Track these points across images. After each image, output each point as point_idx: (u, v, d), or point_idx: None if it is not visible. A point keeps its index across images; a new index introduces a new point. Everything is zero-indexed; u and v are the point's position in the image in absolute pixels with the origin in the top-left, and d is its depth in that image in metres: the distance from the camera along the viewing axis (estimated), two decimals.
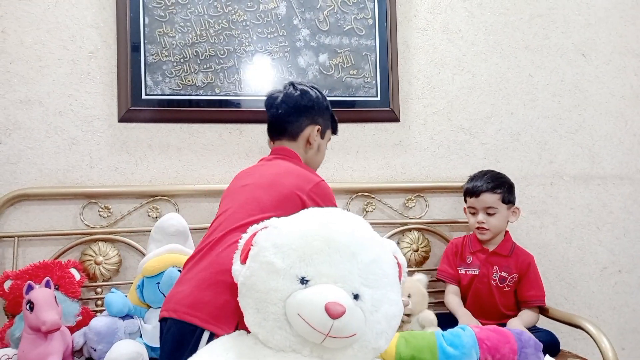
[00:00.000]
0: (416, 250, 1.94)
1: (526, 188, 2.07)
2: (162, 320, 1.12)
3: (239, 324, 1.03)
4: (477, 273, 1.74)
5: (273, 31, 1.90)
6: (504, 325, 1.60)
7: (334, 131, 1.51)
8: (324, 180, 1.29)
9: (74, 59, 1.79)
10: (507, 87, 2.08)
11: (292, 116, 1.38)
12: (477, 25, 2.07)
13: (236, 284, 0.99)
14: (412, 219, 1.98)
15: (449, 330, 1.29)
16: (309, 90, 1.40)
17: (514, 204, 1.77)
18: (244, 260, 0.99)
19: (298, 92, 1.38)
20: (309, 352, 0.91)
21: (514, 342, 1.40)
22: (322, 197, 1.25)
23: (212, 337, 1.02)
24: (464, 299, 1.77)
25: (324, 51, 1.93)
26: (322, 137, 1.43)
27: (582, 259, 2.10)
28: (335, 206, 1.25)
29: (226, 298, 1.04)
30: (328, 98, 1.89)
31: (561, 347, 1.61)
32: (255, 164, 1.41)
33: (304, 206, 1.19)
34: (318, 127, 1.40)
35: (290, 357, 0.91)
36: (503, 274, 1.72)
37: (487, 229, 1.73)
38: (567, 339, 1.87)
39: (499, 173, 1.81)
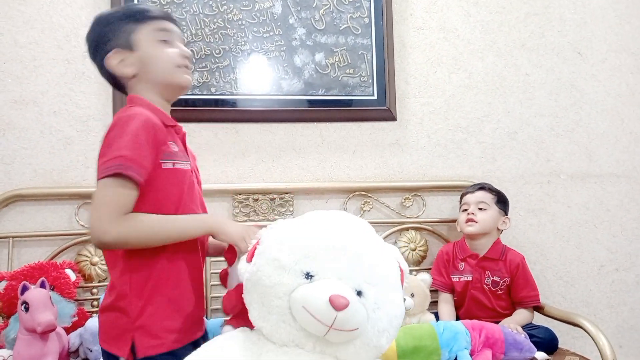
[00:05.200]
0: (413, 250, 1.93)
1: (523, 187, 2.07)
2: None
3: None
4: (471, 279, 1.74)
5: (269, 30, 1.89)
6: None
7: (159, 16, 1.10)
8: (126, 113, 1.00)
9: (68, 59, 1.78)
10: (503, 85, 2.08)
11: (100, 68, 1.10)
12: (473, 24, 2.07)
13: None
14: (410, 218, 1.97)
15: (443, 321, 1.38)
16: (88, 33, 1.10)
17: (506, 214, 1.81)
18: (249, 259, 0.99)
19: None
20: (311, 346, 0.91)
21: (502, 337, 1.47)
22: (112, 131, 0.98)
23: None
24: (460, 304, 1.78)
25: (320, 50, 1.92)
26: (134, 48, 1.06)
27: (580, 257, 2.10)
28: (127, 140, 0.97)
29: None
30: (324, 97, 1.92)
31: (559, 345, 1.61)
32: None
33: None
34: (114, 50, 1.06)
35: (293, 352, 0.91)
36: (495, 278, 1.72)
37: (475, 221, 1.75)
38: (565, 337, 1.87)
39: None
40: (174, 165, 1.05)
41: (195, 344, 0.99)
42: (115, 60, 1.06)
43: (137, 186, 0.97)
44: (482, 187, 1.82)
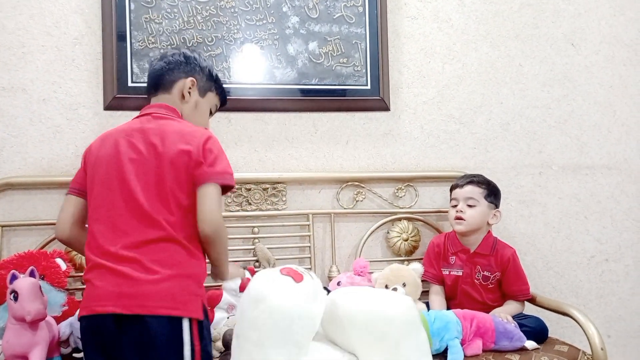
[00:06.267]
0: (406, 240, 1.94)
1: (515, 178, 2.08)
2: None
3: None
4: (461, 274, 1.73)
5: (262, 18, 1.87)
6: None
7: (223, 101, 1.49)
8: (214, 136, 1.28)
9: (58, 46, 1.75)
10: (496, 76, 2.08)
11: (166, 69, 1.34)
12: (467, 14, 2.06)
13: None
14: (402, 208, 1.97)
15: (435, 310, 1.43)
16: (188, 51, 1.39)
17: (496, 207, 1.77)
18: None
19: (176, 52, 1.37)
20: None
21: (492, 326, 1.49)
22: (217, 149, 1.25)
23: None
24: (451, 298, 1.77)
25: (313, 39, 1.91)
26: (202, 95, 1.39)
27: (570, 248, 2.12)
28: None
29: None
30: (318, 86, 1.91)
31: (549, 334, 1.62)
32: (133, 124, 1.28)
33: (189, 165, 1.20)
34: (192, 79, 1.35)
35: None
36: (486, 273, 1.72)
37: (463, 219, 1.72)
38: (554, 326, 1.89)
39: (488, 178, 1.82)
40: None
41: None
42: (189, 84, 1.34)
43: None
44: (471, 180, 1.77)
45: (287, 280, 1.02)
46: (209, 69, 1.41)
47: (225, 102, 1.51)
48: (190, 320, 1.13)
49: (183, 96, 1.34)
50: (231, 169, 1.26)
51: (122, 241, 1.15)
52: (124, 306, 1.10)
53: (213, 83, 1.42)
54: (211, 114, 1.45)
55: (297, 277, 1.03)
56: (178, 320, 1.12)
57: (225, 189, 1.25)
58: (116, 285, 1.12)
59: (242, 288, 1.52)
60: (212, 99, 1.43)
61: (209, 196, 1.18)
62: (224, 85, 1.46)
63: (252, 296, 1.02)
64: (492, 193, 1.77)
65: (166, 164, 1.19)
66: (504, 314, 1.58)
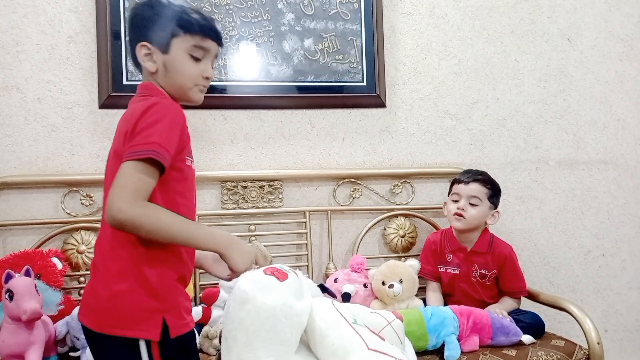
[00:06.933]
0: (403, 236, 1.94)
1: (512, 173, 2.08)
2: None
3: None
4: (458, 272, 1.73)
5: (257, 15, 1.87)
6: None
7: (205, 33, 1.08)
8: (160, 103, 1.00)
9: (52, 44, 1.74)
10: (493, 72, 2.08)
11: (129, 48, 1.12)
12: (463, 9, 2.05)
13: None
14: (399, 204, 1.97)
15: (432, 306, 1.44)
16: (137, 6, 1.11)
17: (496, 207, 1.75)
18: None
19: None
20: None
21: (489, 322, 1.50)
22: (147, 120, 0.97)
23: None
24: (448, 295, 1.77)
25: (309, 36, 1.90)
26: (166, 51, 1.06)
27: (567, 243, 2.12)
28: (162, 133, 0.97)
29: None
30: (314, 83, 1.91)
31: (546, 330, 1.63)
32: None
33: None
34: (142, 43, 1.07)
35: None
36: (483, 271, 1.71)
37: (463, 217, 1.69)
38: (551, 321, 1.90)
39: (492, 177, 1.80)
40: (191, 163, 1.10)
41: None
42: (143, 51, 1.07)
43: (160, 176, 0.98)
44: (477, 178, 1.73)
45: (270, 280, 1.01)
46: (157, 12, 1.07)
47: (211, 32, 1.09)
48: (149, 341, 0.98)
49: (149, 70, 1.09)
50: (160, 139, 0.96)
51: (99, 246, 1.06)
52: (87, 319, 1.02)
53: (174, 24, 1.06)
54: (198, 59, 1.09)
55: (281, 276, 1.02)
56: (133, 342, 0.98)
57: (154, 165, 0.97)
58: (86, 295, 1.04)
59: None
60: (182, 44, 1.07)
61: (115, 181, 0.95)
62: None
63: (237, 297, 1.01)
64: (495, 194, 1.75)
65: (112, 156, 1.04)
66: (499, 310, 1.58)
